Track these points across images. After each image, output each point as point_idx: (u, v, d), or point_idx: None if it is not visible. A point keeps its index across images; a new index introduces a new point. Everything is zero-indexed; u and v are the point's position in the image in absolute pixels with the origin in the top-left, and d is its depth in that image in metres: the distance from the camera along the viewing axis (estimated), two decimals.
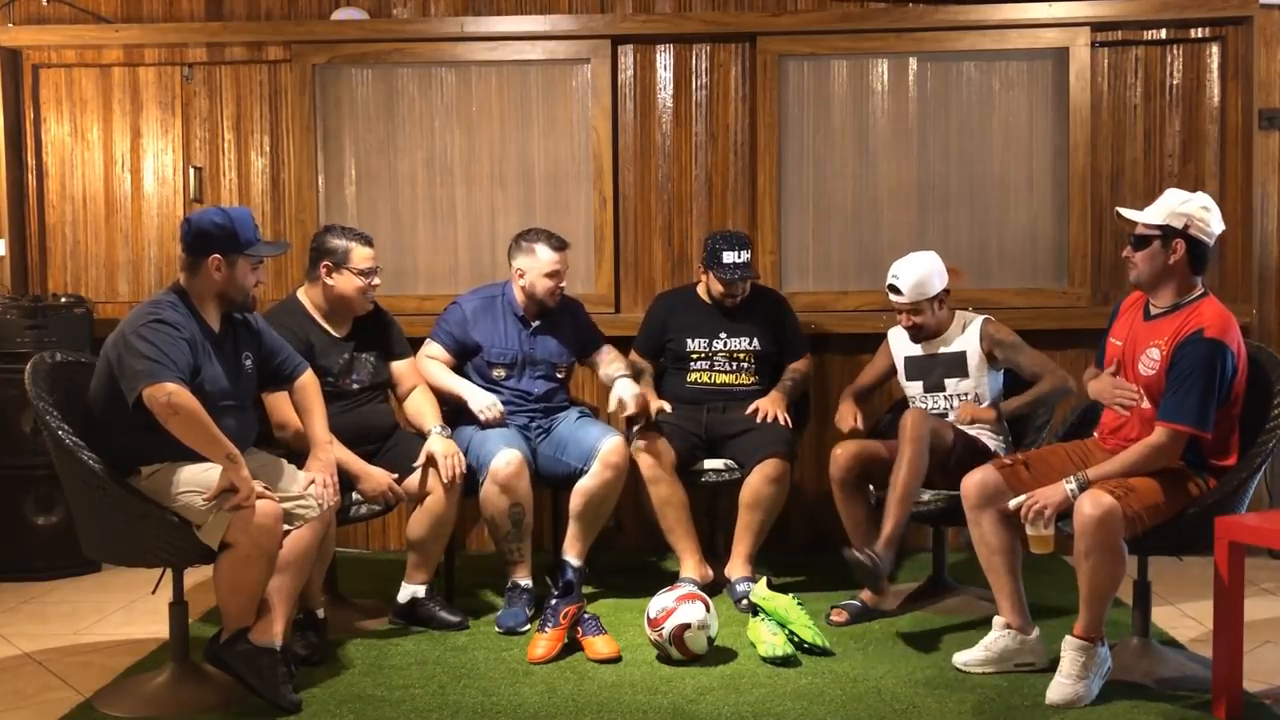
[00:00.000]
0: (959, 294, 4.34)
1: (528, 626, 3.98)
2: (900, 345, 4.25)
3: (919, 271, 4.06)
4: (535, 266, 4.28)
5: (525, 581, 4.11)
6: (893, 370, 4.31)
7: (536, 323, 4.38)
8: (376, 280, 4.05)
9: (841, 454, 4.01)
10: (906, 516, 3.84)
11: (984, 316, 4.17)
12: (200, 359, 3.33)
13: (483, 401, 4.19)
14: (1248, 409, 3.39)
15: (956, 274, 4.23)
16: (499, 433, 4.14)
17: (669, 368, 4.59)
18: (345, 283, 3.99)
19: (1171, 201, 3.37)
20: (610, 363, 4.42)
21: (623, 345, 4.68)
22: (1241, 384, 3.34)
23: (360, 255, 3.99)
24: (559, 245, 4.31)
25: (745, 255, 4.39)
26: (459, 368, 4.36)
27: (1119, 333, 3.53)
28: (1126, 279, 3.51)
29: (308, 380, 3.68)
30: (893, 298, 4.11)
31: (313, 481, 3.45)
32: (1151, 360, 3.35)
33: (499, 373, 4.33)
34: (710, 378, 4.50)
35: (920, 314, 4.09)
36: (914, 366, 4.20)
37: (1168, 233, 3.33)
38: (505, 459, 4.00)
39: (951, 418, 4.04)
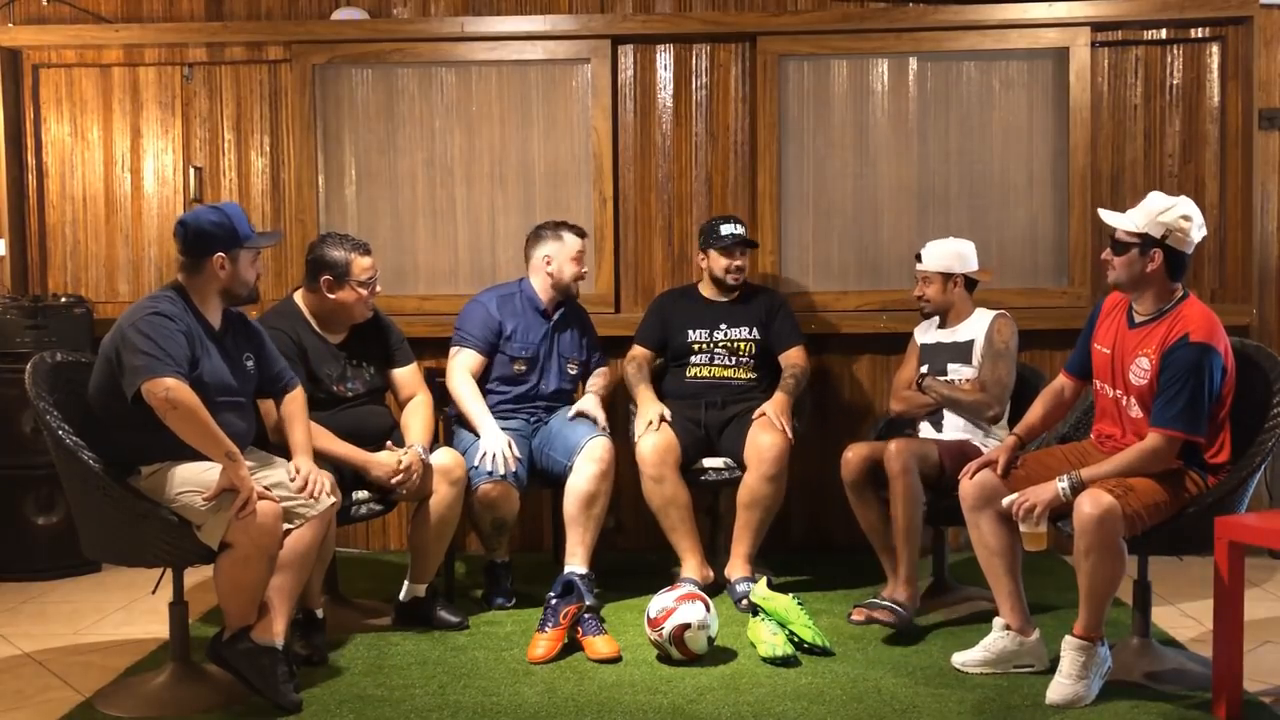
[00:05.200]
0: None
1: (512, 600, 4.19)
2: (921, 334, 4.29)
3: (946, 246, 4.20)
4: (564, 252, 4.39)
5: (502, 559, 4.28)
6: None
7: (558, 315, 4.41)
8: (377, 288, 4.05)
9: (852, 457, 4.01)
10: (917, 552, 3.87)
11: (1000, 312, 4.18)
12: (198, 352, 3.33)
13: (492, 444, 4.13)
14: (1248, 409, 3.39)
15: (986, 274, 4.28)
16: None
17: (670, 365, 4.60)
18: (347, 295, 3.98)
19: (1153, 208, 3.33)
20: (595, 379, 4.56)
21: (623, 345, 4.68)
22: (1230, 383, 3.34)
23: (360, 266, 3.96)
24: (581, 233, 4.47)
25: (741, 228, 4.49)
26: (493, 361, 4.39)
27: (1104, 339, 3.52)
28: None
29: (298, 394, 3.68)
30: (916, 265, 4.22)
31: (308, 480, 3.42)
32: (1142, 370, 3.35)
33: (520, 367, 4.36)
34: (709, 371, 4.50)
35: (930, 284, 4.16)
36: (927, 352, 4.22)
37: (1146, 241, 3.32)
38: (492, 481, 4.07)
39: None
